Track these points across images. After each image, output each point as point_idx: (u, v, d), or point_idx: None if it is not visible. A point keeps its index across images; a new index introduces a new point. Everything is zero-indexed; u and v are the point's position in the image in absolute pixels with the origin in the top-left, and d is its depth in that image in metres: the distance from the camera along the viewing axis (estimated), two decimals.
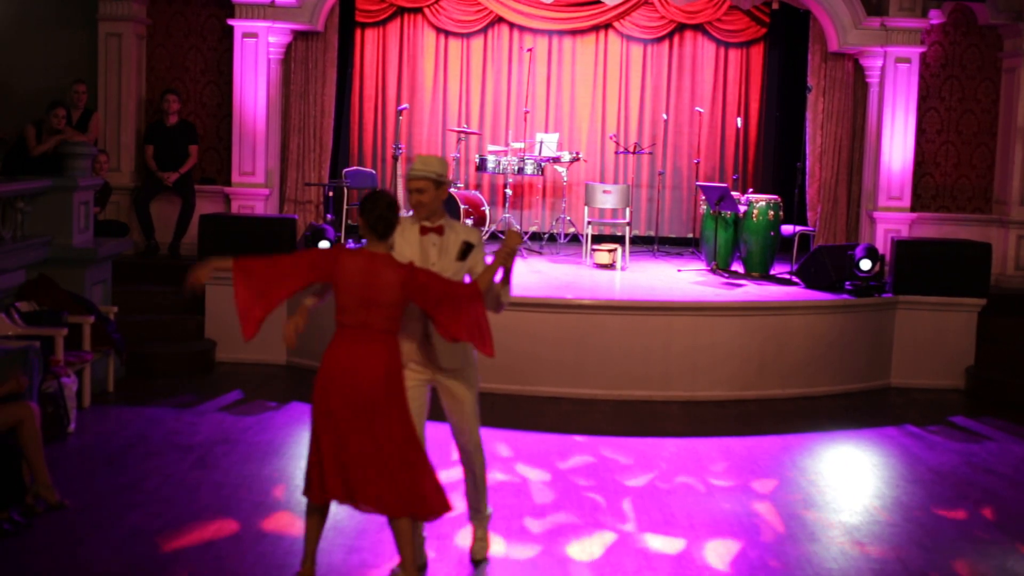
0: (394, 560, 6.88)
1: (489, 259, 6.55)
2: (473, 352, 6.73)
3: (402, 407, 6.30)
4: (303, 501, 7.98)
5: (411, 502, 6.25)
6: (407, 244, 6.56)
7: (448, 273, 6.47)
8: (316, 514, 6.48)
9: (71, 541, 7.16)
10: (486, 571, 7.01)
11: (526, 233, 15.49)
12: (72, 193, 11.03)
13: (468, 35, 16.44)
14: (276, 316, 12.43)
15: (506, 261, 6.46)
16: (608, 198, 14.46)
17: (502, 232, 15.36)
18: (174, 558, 6.96)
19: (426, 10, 16.23)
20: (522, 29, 16.39)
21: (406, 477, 6.24)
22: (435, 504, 6.33)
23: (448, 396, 6.78)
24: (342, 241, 12.97)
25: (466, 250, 6.60)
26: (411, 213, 6.60)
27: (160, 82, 14.54)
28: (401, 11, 16.28)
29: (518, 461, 9.26)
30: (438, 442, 9.73)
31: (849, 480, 9.26)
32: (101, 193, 12.99)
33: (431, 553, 7.18)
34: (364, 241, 6.35)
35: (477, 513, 7.18)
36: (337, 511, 7.84)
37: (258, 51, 14.10)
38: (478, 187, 16.15)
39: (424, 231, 6.58)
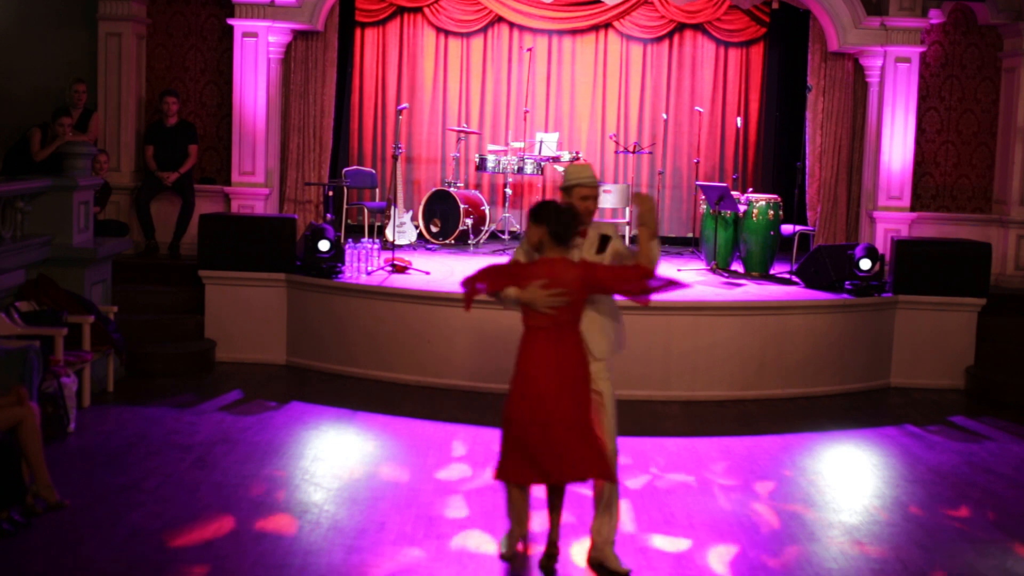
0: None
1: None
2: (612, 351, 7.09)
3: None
4: (303, 501, 8.03)
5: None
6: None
7: (655, 252, 6.81)
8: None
9: (71, 541, 7.16)
10: (485, 571, 7.00)
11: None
12: (72, 193, 11.03)
13: (468, 35, 16.44)
14: (276, 316, 12.48)
15: (650, 225, 6.75)
16: (608, 198, 14.46)
17: (501, 232, 15.38)
18: (174, 558, 6.96)
19: (426, 10, 16.23)
20: (522, 29, 16.39)
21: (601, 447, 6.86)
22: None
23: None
24: (342, 241, 12.96)
25: (603, 242, 6.97)
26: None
27: (160, 82, 14.54)
28: (401, 11, 16.28)
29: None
30: (437, 442, 9.75)
31: (849, 480, 9.26)
32: (101, 193, 13.00)
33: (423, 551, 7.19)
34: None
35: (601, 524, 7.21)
36: (337, 511, 7.86)
37: (258, 51, 14.09)
38: (478, 187, 16.15)
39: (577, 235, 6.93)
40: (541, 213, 6.78)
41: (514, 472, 6.88)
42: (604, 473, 6.82)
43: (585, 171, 7.08)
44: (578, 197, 6.96)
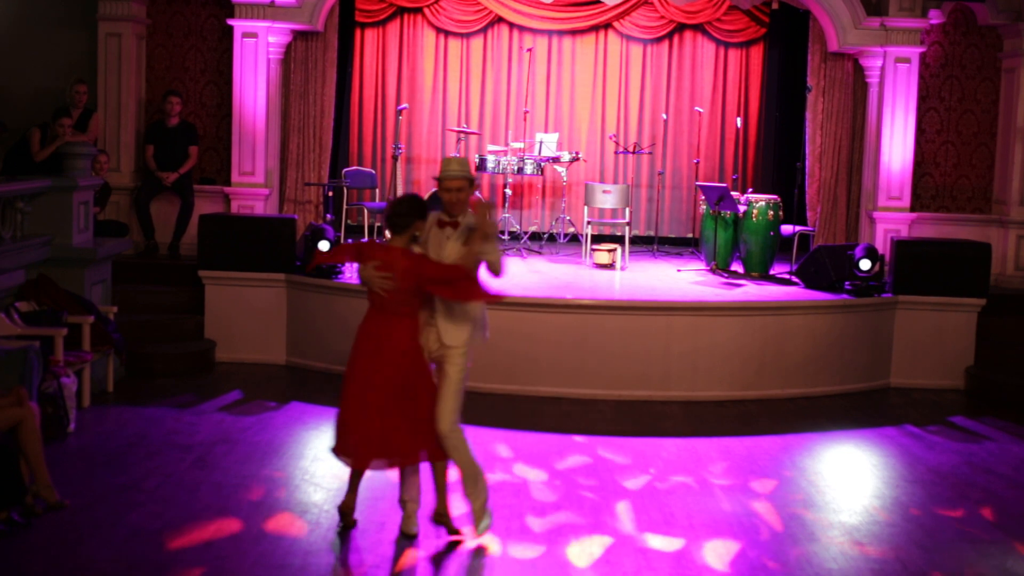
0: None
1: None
2: (472, 340, 7.39)
3: (424, 373, 7.32)
4: (303, 501, 8.03)
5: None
6: (430, 237, 7.34)
7: (454, 255, 7.20)
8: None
9: (71, 541, 7.16)
10: (485, 571, 7.00)
11: (526, 233, 15.48)
12: (72, 193, 11.03)
13: (468, 35, 16.44)
14: (275, 316, 12.48)
15: (484, 229, 7.12)
16: (608, 198, 14.47)
17: (501, 232, 15.36)
18: (174, 558, 6.96)
19: (426, 10, 16.23)
20: (522, 29, 16.39)
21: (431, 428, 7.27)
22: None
23: (439, 372, 7.39)
24: (342, 241, 12.96)
25: (469, 234, 7.23)
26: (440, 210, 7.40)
27: (160, 82, 14.54)
28: (401, 11, 16.28)
29: (517, 461, 9.26)
30: None
31: (849, 480, 9.26)
32: (101, 193, 12.99)
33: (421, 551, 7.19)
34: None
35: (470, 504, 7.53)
36: (336, 512, 7.86)
37: (258, 51, 14.09)
38: (478, 187, 16.14)
39: (442, 224, 7.33)
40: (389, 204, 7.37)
41: (341, 449, 7.40)
42: (429, 453, 7.32)
43: (451, 164, 7.36)
44: (443, 190, 7.30)
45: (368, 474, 8.68)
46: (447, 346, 7.29)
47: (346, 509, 7.57)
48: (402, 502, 7.52)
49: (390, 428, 7.19)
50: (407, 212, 7.22)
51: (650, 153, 16.21)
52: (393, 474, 8.80)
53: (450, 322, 7.30)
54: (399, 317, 7.23)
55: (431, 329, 7.32)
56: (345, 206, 14.66)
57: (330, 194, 14.23)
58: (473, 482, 7.41)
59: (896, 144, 14.26)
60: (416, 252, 7.26)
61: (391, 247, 7.22)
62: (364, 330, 7.38)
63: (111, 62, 14.13)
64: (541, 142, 15.20)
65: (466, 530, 7.46)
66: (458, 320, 7.30)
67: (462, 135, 15.66)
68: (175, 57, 14.65)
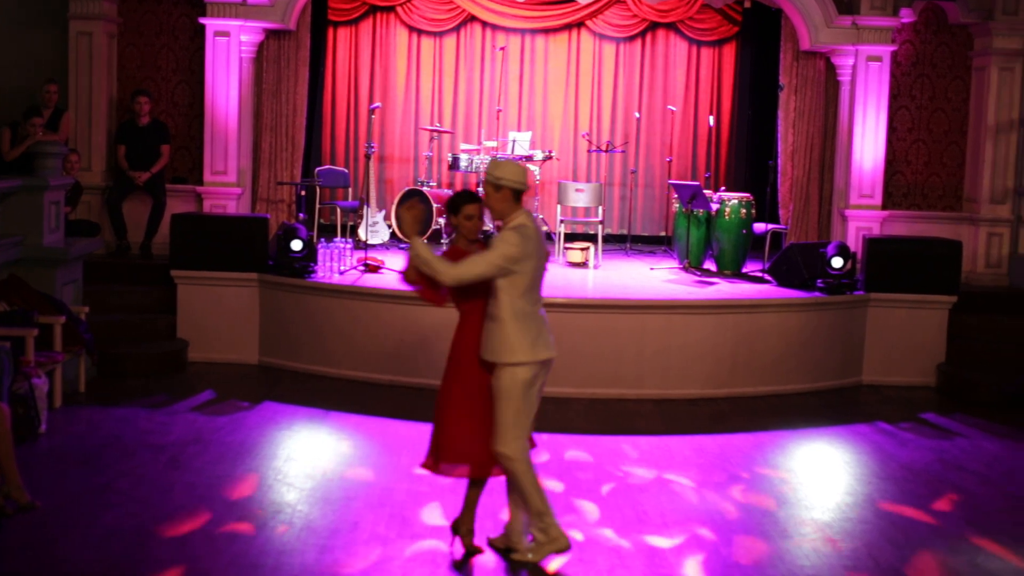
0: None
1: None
2: (515, 352, 6.91)
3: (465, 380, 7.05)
4: (276, 501, 8.01)
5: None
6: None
7: (420, 259, 6.87)
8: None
9: (43, 542, 7.12)
10: (454, 571, 7.00)
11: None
12: (43, 193, 10.97)
13: (441, 34, 16.44)
14: (248, 316, 12.45)
15: (407, 233, 6.97)
16: (581, 196, 14.48)
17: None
18: (148, 558, 6.94)
19: (399, 9, 16.22)
20: (495, 28, 16.41)
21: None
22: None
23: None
24: (315, 240, 12.94)
25: (486, 242, 7.14)
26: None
27: (131, 81, 14.48)
28: (374, 9, 16.27)
29: None
30: (410, 442, 9.74)
31: (821, 477, 9.29)
32: (72, 193, 12.93)
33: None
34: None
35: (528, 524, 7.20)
36: (310, 511, 7.85)
37: (230, 50, 14.05)
38: (451, 186, 16.15)
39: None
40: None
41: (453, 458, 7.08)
42: (479, 468, 7.04)
43: (495, 166, 7.07)
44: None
45: (343, 474, 8.68)
46: (486, 361, 6.92)
47: (466, 530, 7.27)
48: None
49: (478, 434, 6.95)
50: (447, 205, 7.15)
51: (623, 152, 16.23)
52: (366, 475, 8.80)
53: (486, 335, 6.93)
54: (462, 317, 7.06)
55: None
56: (318, 205, 14.64)
57: (303, 193, 14.21)
58: (535, 511, 6.97)
59: (868, 142, 14.32)
60: (462, 249, 7.07)
61: (449, 248, 7.14)
62: (453, 336, 7.15)
63: (82, 61, 14.06)
64: (514, 141, 15.20)
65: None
66: (491, 333, 6.89)
67: (435, 134, 15.66)
68: (146, 56, 14.59)
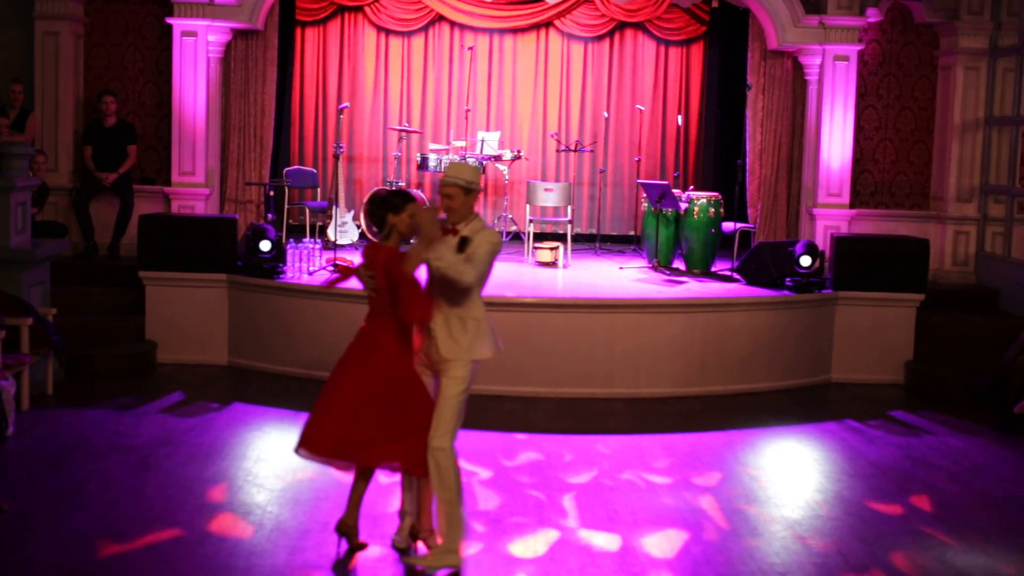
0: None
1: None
2: (472, 351, 6.96)
3: (417, 383, 7.06)
4: (246, 502, 7.99)
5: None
6: (441, 243, 6.95)
7: (446, 262, 6.82)
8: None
9: (11, 546, 7.08)
10: (429, 569, 6.99)
11: None
12: (9, 194, 10.90)
13: (409, 34, 16.43)
14: (217, 317, 12.41)
15: (427, 234, 6.83)
16: (550, 196, 14.49)
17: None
18: (117, 561, 6.91)
19: (367, 8, 16.20)
20: (463, 28, 16.41)
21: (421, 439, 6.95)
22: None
23: (439, 384, 7.04)
24: (284, 241, 12.92)
25: (462, 243, 6.93)
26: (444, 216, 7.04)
27: (98, 81, 14.41)
28: (342, 9, 16.25)
29: (461, 459, 9.21)
30: None
31: (790, 475, 9.33)
32: (39, 194, 12.87)
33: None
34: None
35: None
36: (280, 512, 7.83)
37: (197, 50, 14.00)
38: (419, 186, 16.13)
39: (444, 231, 6.96)
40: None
41: (310, 445, 7.09)
42: (401, 464, 7.05)
43: (449, 168, 7.04)
44: (442, 195, 7.07)
45: (313, 474, 8.66)
46: (443, 359, 6.91)
47: (348, 528, 7.21)
48: (401, 514, 7.32)
49: (365, 428, 6.90)
50: (377, 206, 7.08)
51: (592, 151, 16.26)
52: (336, 475, 8.78)
53: (447, 332, 6.92)
54: (388, 318, 6.99)
55: (431, 339, 6.96)
56: (286, 205, 14.61)
57: (271, 193, 14.16)
58: (447, 516, 6.92)
59: (835, 141, 14.38)
60: (397, 249, 7.00)
61: (377, 244, 7.10)
62: (359, 331, 7.16)
63: (48, 61, 13.98)
64: (483, 140, 15.20)
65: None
66: (455, 330, 6.92)
67: (404, 134, 15.64)
68: (113, 56, 14.52)
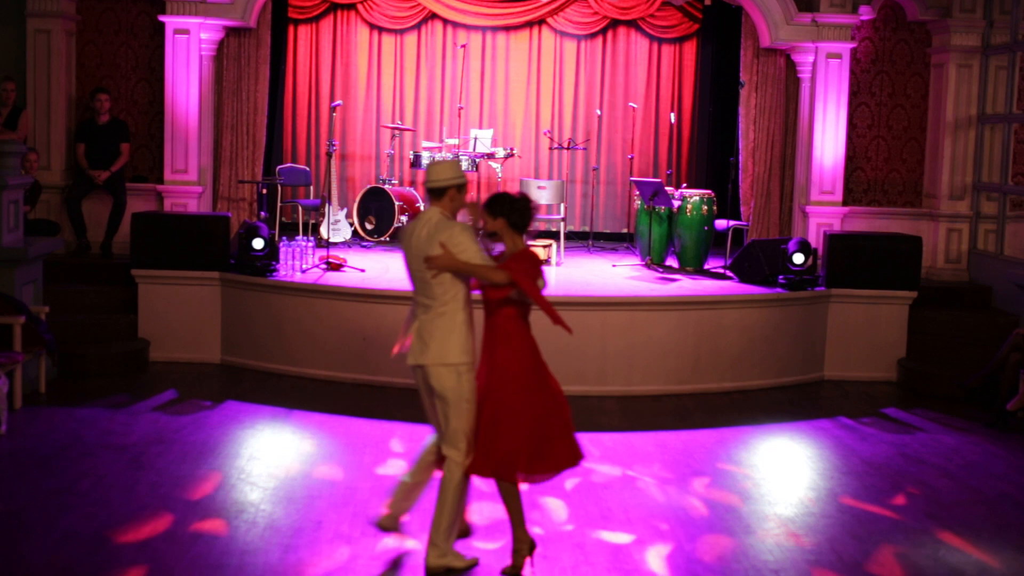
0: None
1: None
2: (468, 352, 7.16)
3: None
4: (239, 500, 7.99)
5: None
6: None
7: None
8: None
9: (3, 545, 7.07)
10: (421, 569, 6.99)
11: None
12: (1, 192, 10.89)
13: (402, 31, 16.42)
14: (210, 315, 12.38)
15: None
16: (543, 194, 14.49)
17: None
18: (110, 560, 6.90)
19: (359, 6, 16.19)
20: (456, 25, 16.40)
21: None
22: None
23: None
24: (277, 239, 12.90)
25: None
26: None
27: (90, 79, 14.39)
28: (334, 7, 16.23)
29: None
30: (374, 440, 9.73)
31: (784, 472, 9.34)
32: (31, 192, 12.85)
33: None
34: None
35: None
36: (273, 510, 7.82)
37: (190, 48, 13.97)
38: (412, 184, 16.13)
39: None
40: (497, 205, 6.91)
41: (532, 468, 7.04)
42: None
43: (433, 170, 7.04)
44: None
45: (306, 472, 8.66)
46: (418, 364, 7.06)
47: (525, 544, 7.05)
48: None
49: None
50: (529, 210, 7.00)
51: (584, 149, 16.25)
52: (330, 473, 8.78)
53: (446, 335, 7.14)
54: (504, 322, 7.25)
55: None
56: (279, 203, 14.60)
57: (264, 191, 14.14)
58: (446, 521, 6.94)
59: (828, 139, 14.38)
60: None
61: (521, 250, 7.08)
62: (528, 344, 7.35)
63: (40, 59, 13.95)
64: (476, 138, 15.19)
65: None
66: (455, 334, 7.15)
67: (396, 131, 15.63)
68: (105, 54, 14.49)
